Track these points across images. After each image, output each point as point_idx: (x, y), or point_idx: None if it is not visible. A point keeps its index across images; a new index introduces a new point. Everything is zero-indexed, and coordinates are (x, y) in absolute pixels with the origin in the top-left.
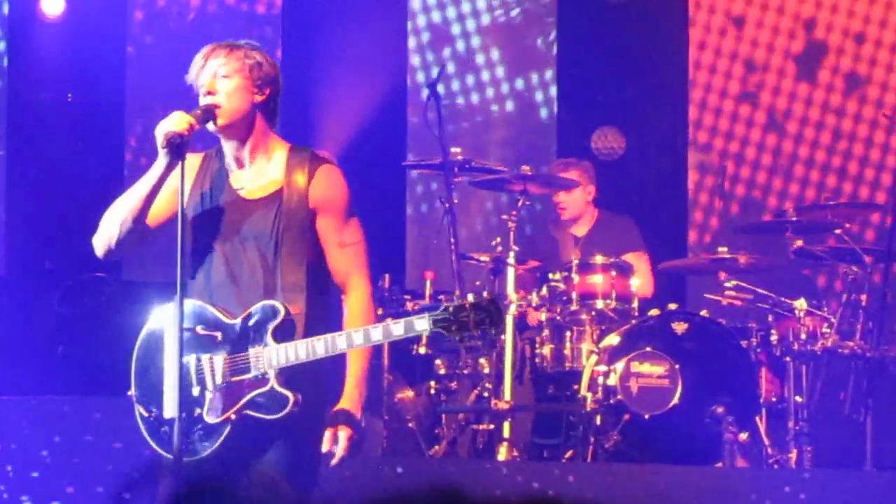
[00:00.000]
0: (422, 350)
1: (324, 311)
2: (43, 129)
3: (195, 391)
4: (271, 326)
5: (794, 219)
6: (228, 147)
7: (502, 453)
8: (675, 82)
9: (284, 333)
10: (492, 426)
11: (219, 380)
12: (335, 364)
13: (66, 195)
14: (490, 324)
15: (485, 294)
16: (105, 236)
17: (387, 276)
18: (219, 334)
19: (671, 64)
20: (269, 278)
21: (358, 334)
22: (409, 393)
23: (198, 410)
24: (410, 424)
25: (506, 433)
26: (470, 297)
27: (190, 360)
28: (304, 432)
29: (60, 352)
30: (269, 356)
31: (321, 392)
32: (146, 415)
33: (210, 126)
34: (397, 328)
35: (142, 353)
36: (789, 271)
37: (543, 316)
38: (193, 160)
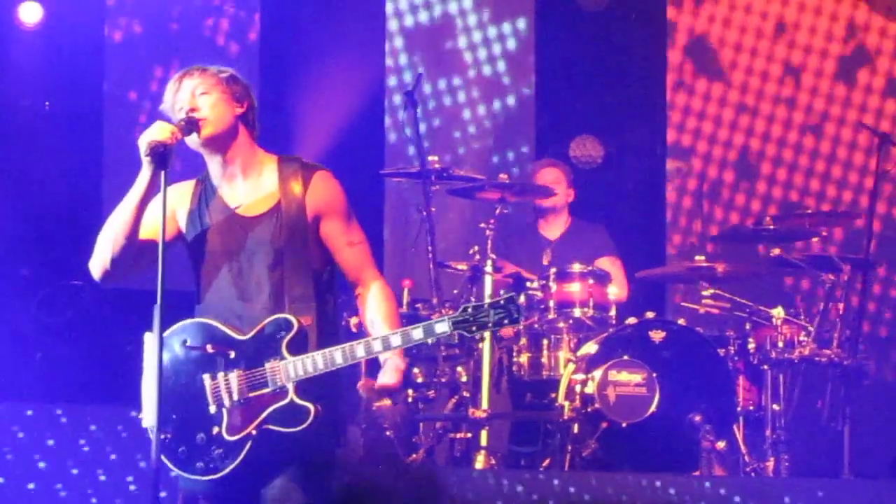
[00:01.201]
0: None
1: (334, 320)
2: (21, 136)
3: (212, 409)
4: (285, 340)
5: (772, 227)
6: (214, 163)
7: (480, 461)
8: (653, 91)
9: (299, 345)
10: (469, 434)
11: (235, 396)
12: (352, 376)
13: (44, 203)
14: (510, 321)
15: (502, 293)
16: (100, 259)
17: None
18: (232, 352)
19: (650, 72)
20: (277, 292)
21: (376, 342)
22: (387, 401)
23: (216, 429)
24: (388, 433)
25: (483, 441)
26: (487, 298)
27: (205, 378)
28: (323, 444)
29: (38, 359)
30: (287, 369)
31: (339, 403)
32: (161, 437)
33: (193, 139)
34: (417, 332)
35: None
36: (767, 280)
37: (521, 325)
38: (185, 186)
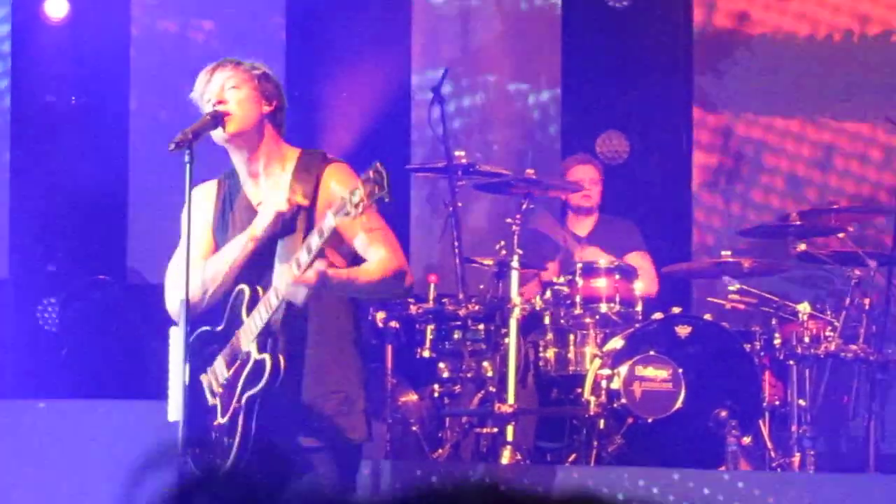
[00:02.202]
0: (425, 353)
1: (350, 312)
2: (47, 131)
3: (211, 401)
4: (243, 306)
5: (798, 222)
6: (239, 159)
7: (506, 456)
8: (679, 86)
9: (253, 308)
10: (495, 429)
11: (222, 380)
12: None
13: (70, 198)
14: (380, 189)
15: (375, 164)
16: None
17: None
18: (215, 345)
19: (675, 68)
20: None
21: (301, 252)
22: (413, 396)
23: (217, 420)
24: (414, 428)
25: (509, 436)
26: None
27: (202, 379)
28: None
29: (64, 354)
30: (245, 331)
31: (323, 363)
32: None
33: (218, 133)
34: (314, 238)
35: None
36: (793, 275)
37: (547, 320)
38: (209, 187)
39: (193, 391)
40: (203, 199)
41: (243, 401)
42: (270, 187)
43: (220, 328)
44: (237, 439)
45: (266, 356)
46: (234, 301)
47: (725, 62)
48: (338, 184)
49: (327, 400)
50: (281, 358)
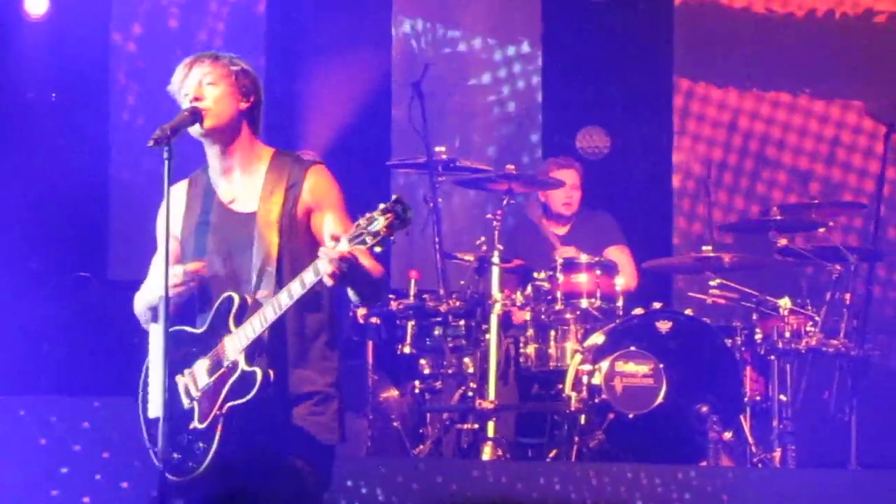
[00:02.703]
0: (406, 349)
1: (328, 312)
2: (27, 128)
3: (186, 404)
4: (231, 315)
5: (779, 217)
6: (213, 153)
7: (487, 452)
8: (659, 82)
9: (243, 318)
10: (476, 426)
11: (201, 384)
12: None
13: (51, 195)
14: (401, 222)
15: (393, 197)
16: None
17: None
18: (194, 347)
19: (656, 63)
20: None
21: (294, 283)
22: (394, 392)
23: (192, 424)
24: (395, 424)
25: (490, 433)
26: (379, 206)
27: (178, 380)
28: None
29: (45, 351)
30: (233, 341)
31: (299, 365)
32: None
33: (196, 129)
34: (321, 263)
35: (144, 380)
36: (773, 270)
37: (528, 315)
38: (178, 190)
39: (168, 391)
40: (173, 201)
41: (225, 409)
42: (243, 186)
43: (200, 330)
44: (214, 446)
45: (257, 369)
46: (221, 306)
47: (705, 47)
48: (320, 188)
49: (302, 401)
50: (271, 373)
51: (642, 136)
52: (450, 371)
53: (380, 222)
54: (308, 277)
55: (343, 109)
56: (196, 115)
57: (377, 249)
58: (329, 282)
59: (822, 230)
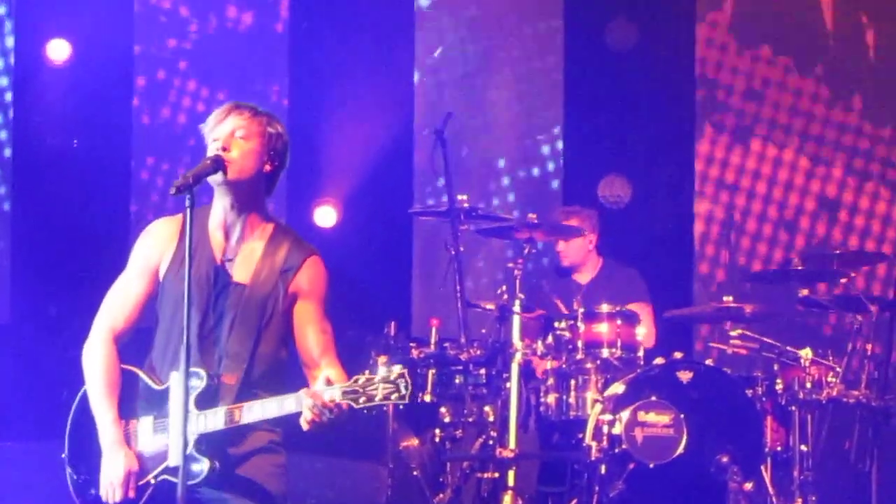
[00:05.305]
0: (427, 398)
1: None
2: (49, 174)
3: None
4: (195, 393)
5: (800, 268)
6: (223, 204)
7: (507, 501)
8: (681, 131)
9: (207, 400)
10: (496, 474)
11: (142, 441)
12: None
13: (72, 241)
14: (398, 397)
15: (397, 367)
16: None
17: (393, 323)
18: (145, 401)
19: (678, 112)
20: (214, 348)
21: (271, 403)
22: (414, 441)
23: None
24: (415, 472)
25: (510, 481)
26: (381, 371)
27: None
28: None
29: (64, 397)
30: (189, 423)
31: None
32: (75, 477)
33: (216, 178)
34: (307, 400)
35: (76, 416)
36: (795, 320)
37: (549, 364)
38: (170, 224)
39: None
40: (161, 238)
41: (159, 479)
42: (239, 252)
43: (159, 387)
44: None
45: (205, 460)
46: (187, 380)
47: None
48: (314, 279)
49: (247, 461)
50: (217, 465)
51: (664, 185)
52: (470, 419)
53: (379, 390)
54: (288, 405)
55: (365, 156)
56: (219, 164)
57: (365, 412)
58: (305, 427)
59: (843, 280)
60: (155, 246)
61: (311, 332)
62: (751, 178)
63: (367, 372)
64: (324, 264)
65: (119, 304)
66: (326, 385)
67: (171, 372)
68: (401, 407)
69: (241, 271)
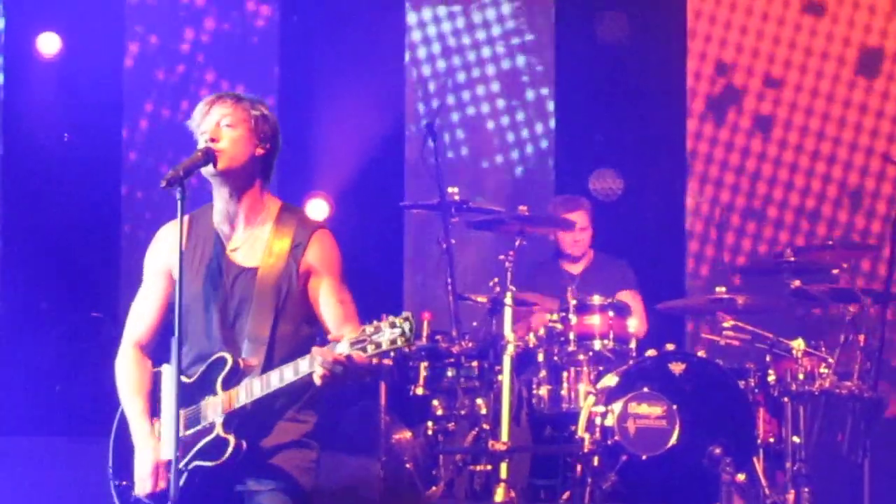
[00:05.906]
0: (419, 391)
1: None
2: (39, 169)
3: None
4: (220, 377)
5: (792, 259)
6: (221, 195)
7: (499, 494)
8: (672, 123)
9: (231, 382)
10: (489, 467)
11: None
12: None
13: (62, 235)
14: (404, 340)
15: (404, 314)
16: None
17: (384, 316)
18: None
19: (669, 105)
20: (236, 335)
21: (288, 369)
22: (407, 434)
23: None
24: (408, 465)
25: (503, 474)
26: (390, 319)
27: (154, 424)
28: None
29: (57, 391)
30: (216, 404)
31: (282, 419)
32: (117, 483)
33: (209, 169)
34: (317, 357)
35: (118, 429)
36: (787, 312)
37: (541, 357)
38: (175, 228)
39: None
40: (168, 241)
41: (191, 467)
42: (247, 237)
43: (188, 380)
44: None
45: (231, 437)
46: (213, 364)
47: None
48: (324, 253)
49: (279, 454)
50: (243, 443)
51: (655, 177)
52: (462, 412)
53: (386, 335)
54: (303, 367)
55: (357, 150)
56: (209, 156)
57: (374, 361)
58: (319, 382)
59: (835, 271)
60: (164, 250)
61: (329, 305)
62: (744, 172)
63: (375, 321)
64: (332, 236)
65: (137, 315)
66: (334, 342)
67: (197, 366)
68: (406, 351)
69: (250, 257)
